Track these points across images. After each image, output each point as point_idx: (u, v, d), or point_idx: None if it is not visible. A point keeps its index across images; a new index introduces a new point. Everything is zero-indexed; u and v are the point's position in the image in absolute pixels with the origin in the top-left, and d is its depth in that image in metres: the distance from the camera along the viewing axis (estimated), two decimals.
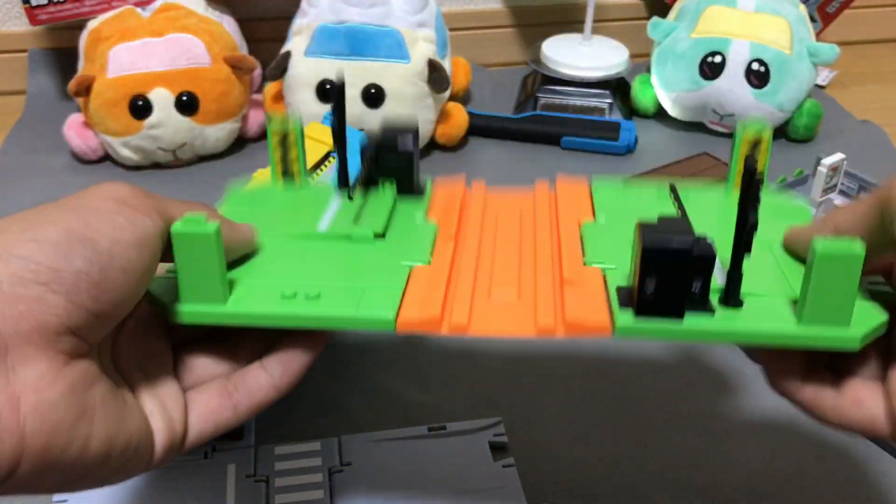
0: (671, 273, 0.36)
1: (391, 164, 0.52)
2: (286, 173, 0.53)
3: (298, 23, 0.90)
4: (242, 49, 0.96)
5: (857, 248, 0.36)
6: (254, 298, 0.42)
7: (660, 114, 1.02)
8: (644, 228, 0.36)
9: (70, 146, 0.89)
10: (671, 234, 0.35)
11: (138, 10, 0.90)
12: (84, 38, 0.91)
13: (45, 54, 1.04)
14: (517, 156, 0.94)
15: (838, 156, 0.72)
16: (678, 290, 0.36)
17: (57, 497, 0.52)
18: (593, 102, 0.99)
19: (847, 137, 1.01)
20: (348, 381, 0.63)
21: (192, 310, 0.40)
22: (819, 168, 0.71)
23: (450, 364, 0.64)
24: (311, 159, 0.68)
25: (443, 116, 0.92)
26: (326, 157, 0.66)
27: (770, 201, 0.49)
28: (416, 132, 0.51)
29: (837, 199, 0.81)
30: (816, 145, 0.98)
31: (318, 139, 0.69)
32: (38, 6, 0.93)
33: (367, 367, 0.64)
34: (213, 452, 0.55)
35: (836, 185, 0.73)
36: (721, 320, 0.38)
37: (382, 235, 0.47)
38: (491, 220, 0.50)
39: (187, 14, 0.89)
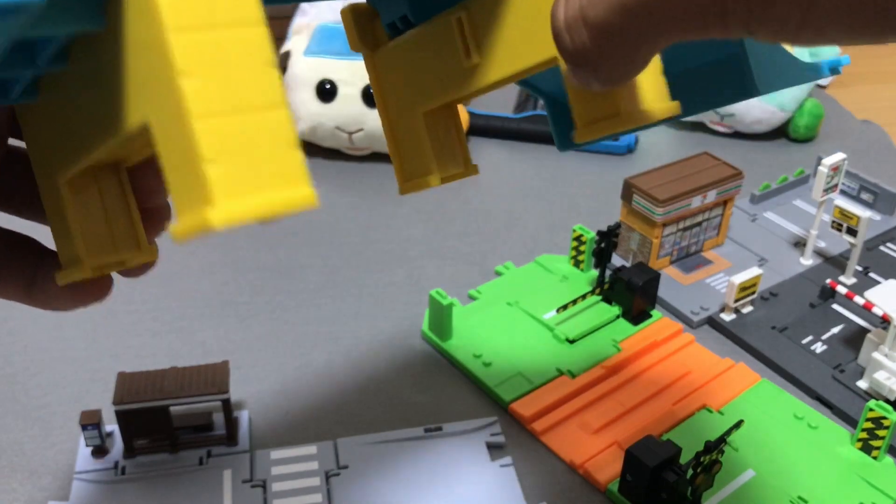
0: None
1: (621, 291, 0.67)
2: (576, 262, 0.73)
3: (298, 22, 0.90)
4: None
5: None
6: (458, 348, 0.64)
7: None
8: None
9: None
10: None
11: None
12: None
13: None
14: (517, 155, 0.94)
15: (839, 155, 0.72)
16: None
17: (53, 501, 0.52)
18: None
19: (848, 137, 1.00)
20: (343, 383, 0.63)
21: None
22: (820, 168, 0.70)
23: (445, 365, 0.64)
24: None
25: None
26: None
27: None
28: (655, 278, 0.67)
29: (838, 199, 0.81)
30: (817, 145, 0.98)
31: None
32: None
33: (362, 369, 0.64)
34: (208, 458, 0.55)
35: (836, 185, 0.72)
36: None
37: (573, 342, 0.65)
38: (649, 368, 0.63)
39: None
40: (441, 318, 0.64)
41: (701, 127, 1.00)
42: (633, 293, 0.66)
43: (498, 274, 0.74)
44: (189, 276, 0.73)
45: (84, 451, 0.55)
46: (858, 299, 0.63)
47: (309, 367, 0.64)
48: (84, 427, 0.53)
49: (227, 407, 0.54)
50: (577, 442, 0.57)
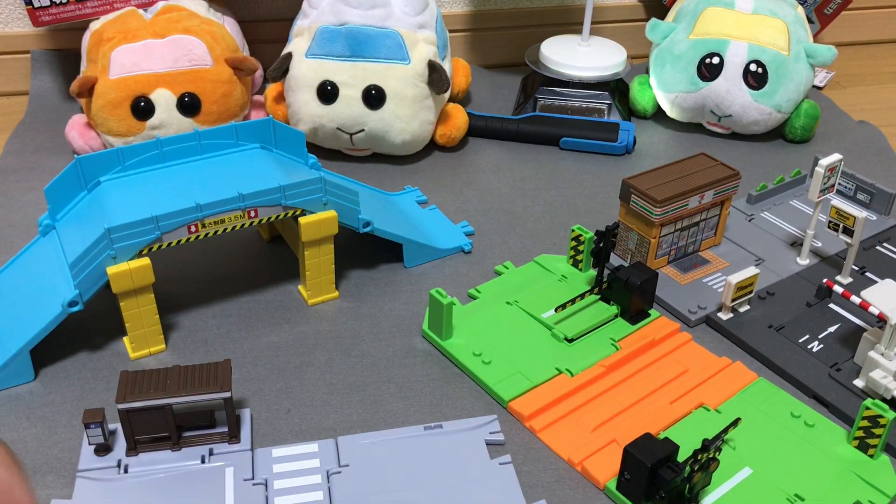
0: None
1: (620, 290, 0.68)
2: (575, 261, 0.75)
3: (299, 24, 0.91)
4: (244, 50, 0.96)
5: None
6: (458, 347, 0.65)
7: (658, 115, 1.03)
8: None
9: (72, 147, 0.90)
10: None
11: (140, 11, 0.91)
12: (86, 40, 0.92)
13: (47, 55, 1.04)
14: (516, 156, 0.94)
15: (835, 156, 0.72)
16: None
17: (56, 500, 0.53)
18: (592, 103, 0.99)
19: (844, 138, 1.01)
20: (344, 382, 0.63)
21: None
22: (816, 168, 0.71)
23: (445, 363, 0.65)
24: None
25: (443, 117, 0.93)
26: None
27: None
28: (653, 277, 0.67)
29: (835, 199, 0.82)
30: (814, 146, 0.98)
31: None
32: (40, 8, 0.93)
33: (362, 368, 0.64)
34: (210, 456, 0.55)
35: (833, 185, 0.73)
36: None
37: (572, 341, 0.66)
38: (647, 367, 0.64)
39: (189, 16, 0.90)
40: (441, 316, 0.64)
41: (698, 128, 1.01)
42: (631, 292, 0.67)
43: (497, 273, 0.74)
44: (192, 276, 0.73)
45: (87, 449, 0.55)
46: (855, 299, 0.63)
47: (310, 367, 0.64)
48: (87, 425, 0.54)
49: (230, 405, 0.55)
50: (576, 440, 0.58)
